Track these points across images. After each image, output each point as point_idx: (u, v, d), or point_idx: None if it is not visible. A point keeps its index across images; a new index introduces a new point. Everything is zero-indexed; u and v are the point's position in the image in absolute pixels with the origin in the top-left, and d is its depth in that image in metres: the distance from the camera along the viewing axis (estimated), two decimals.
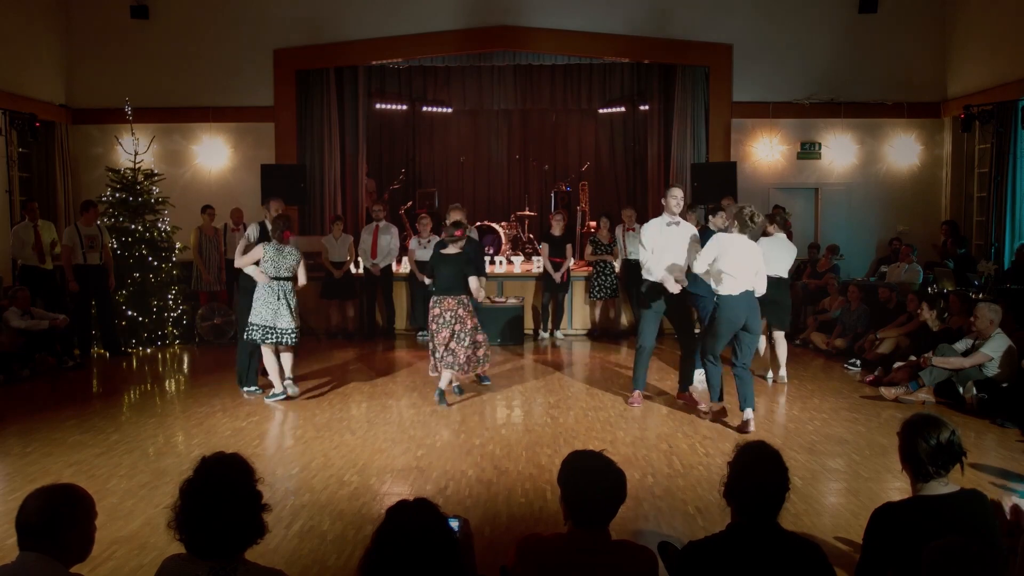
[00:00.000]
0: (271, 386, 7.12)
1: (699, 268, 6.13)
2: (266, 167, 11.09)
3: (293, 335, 6.92)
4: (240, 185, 11.58)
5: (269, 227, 7.15)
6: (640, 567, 2.47)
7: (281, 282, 6.88)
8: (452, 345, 6.74)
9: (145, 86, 11.47)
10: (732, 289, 5.97)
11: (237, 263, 7.05)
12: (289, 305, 6.89)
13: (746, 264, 5.99)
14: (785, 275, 7.56)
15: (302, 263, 7.03)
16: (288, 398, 6.99)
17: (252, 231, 7.27)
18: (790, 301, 8.00)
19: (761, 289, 6.12)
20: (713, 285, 6.14)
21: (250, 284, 7.04)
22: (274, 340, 6.88)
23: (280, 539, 4.04)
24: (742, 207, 6.12)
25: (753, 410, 6.06)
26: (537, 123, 15.33)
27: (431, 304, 6.93)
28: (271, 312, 6.83)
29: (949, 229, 10.65)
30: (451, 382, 7.07)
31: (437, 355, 6.83)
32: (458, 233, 6.95)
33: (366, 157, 12.77)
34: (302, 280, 7.05)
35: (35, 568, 2.29)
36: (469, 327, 6.80)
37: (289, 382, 7.05)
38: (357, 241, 10.72)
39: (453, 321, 6.76)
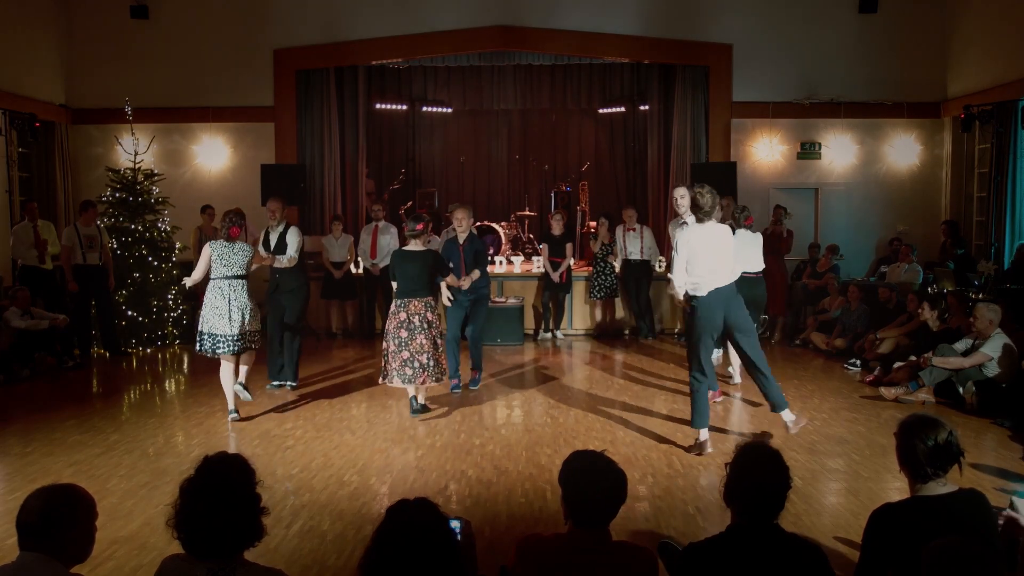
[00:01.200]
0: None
1: (677, 278, 5.49)
2: (266, 167, 11.08)
3: (238, 342, 6.18)
4: (240, 185, 11.56)
5: (271, 232, 7.15)
6: (640, 567, 2.47)
7: (231, 281, 6.20)
8: (434, 352, 6.28)
9: (145, 86, 11.46)
10: (705, 288, 5.37)
11: (193, 279, 6.32)
12: (240, 307, 6.17)
13: (717, 255, 5.37)
14: (759, 269, 7.27)
15: (254, 258, 6.45)
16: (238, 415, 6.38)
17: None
18: (765, 296, 7.67)
19: (731, 276, 5.47)
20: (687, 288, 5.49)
21: (292, 283, 7.18)
22: (230, 349, 6.19)
23: (280, 539, 4.04)
24: (697, 190, 5.40)
25: (790, 409, 5.67)
26: (537, 123, 15.32)
27: (394, 308, 6.34)
28: (220, 318, 6.13)
29: (949, 229, 10.64)
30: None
31: (415, 365, 6.19)
32: (419, 227, 6.39)
33: (366, 157, 12.77)
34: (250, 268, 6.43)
35: (35, 568, 2.30)
36: (437, 331, 6.38)
37: (239, 386, 6.46)
38: (357, 241, 10.72)
39: (425, 326, 6.25)
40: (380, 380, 6.51)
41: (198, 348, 6.24)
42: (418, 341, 6.23)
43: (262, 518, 2.35)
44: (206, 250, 6.27)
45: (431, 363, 6.27)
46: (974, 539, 2.37)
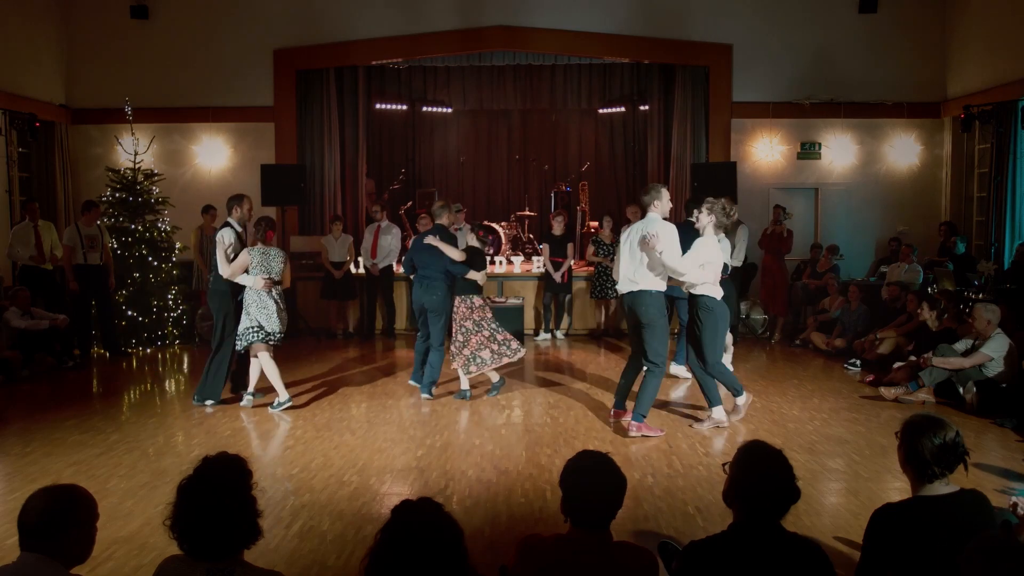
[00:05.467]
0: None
1: (693, 276, 5.82)
2: (266, 167, 11.08)
3: (280, 336, 6.68)
4: (240, 185, 11.51)
5: (239, 229, 6.81)
6: (640, 568, 2.47)
7: (275, 285, 6.63)
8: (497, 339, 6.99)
9: (145, 86, 11.46)
10: (719, 292, 5.99)
11: (226, 274, 6.55)
12: (280, 307, 6.64)
13: (720, 263, 6.01)
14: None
15: (288, 264, 6.79)
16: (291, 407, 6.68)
17: (227, 235, 6.66)
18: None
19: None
20: (698, 288, 5.93)
21: (230, 288, 6.72)
22: (272, 342, 6.62)
23: (280, 539, 4.04)
24: (722, 203, 5.96)
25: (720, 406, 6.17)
26: (537, 123, 15.33)
27: (478, 303, 7.01)
28: (266, 315, 6.54)
29: (948, 230, 10.65)
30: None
31: (493, 352, 6.91)
32: (479, 233, 7.36)
33: (366, 157, 12.77)
34: (286, 282, 6.77)
35: (35, 569, 2.30)
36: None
37: (250, 397, 6.77)
38: (358, 241, 10.71)
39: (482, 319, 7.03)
40: (468, 369, 6.95)
41: (244, 343, 6.54)
42: (484, 333, 6.93)
43: (258, 520, 2.35)
44: (244, 256, 6.50)
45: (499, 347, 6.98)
46: (1006, 533, 2.35)
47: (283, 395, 6.68)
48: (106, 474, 5.09)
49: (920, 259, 10.22)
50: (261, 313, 6.54)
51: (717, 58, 11.61)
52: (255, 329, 6.54)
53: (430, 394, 7.07)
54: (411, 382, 7.56)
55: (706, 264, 5.85)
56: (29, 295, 8.73)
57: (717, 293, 5.97)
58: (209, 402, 6.83)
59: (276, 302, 6.59)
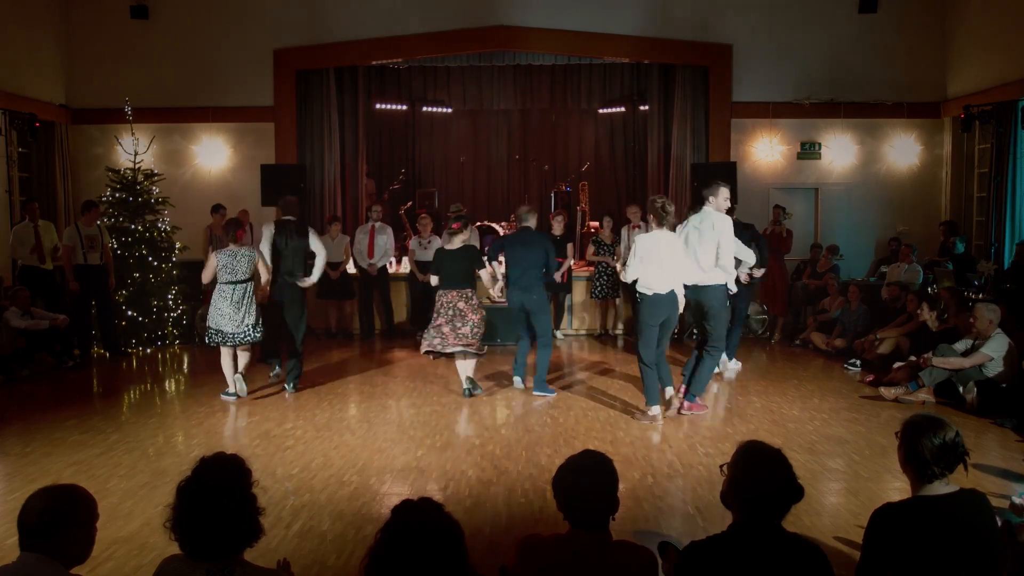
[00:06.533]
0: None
1: (629, 277, 6.27)
2: (266, 167, 11.08)
3: (242, 337, 6.94)
4: (240, 185, 11.57)
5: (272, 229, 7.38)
6: (640, 567, 2.47)
7: (235, 286, 6.88)
8: (445, 330, 6.90)
9: (145, 86, 11.46)
10: (654, 288, 6.14)
11: (205, 281, 7.15)
12: (242, 308, 6.89)
13: (667, 260, 6.12)
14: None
15: (261, 261, 7.05)
16: (238, 397, 7.04)
17: (267, 232, 7.33)
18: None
19: (683, 279, 6.26)
20: (638, 285, 6.23)
21: (288, 293, 7.32)
22: (228, 343, 6.93)
23: (280, 539, 4.04)
24: (653, 199, 6.22)
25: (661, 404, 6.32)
26: (537, 123, 15.32)
27: (438, 295, 7.03)
28: (222, 317, 6.87)
29: (948, 230, 10.65)
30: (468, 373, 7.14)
31: (431, 336, 6.93)
32: (455, 226, 7.01)
33: (366, 157, 12.77)
34: (264, 276, 7.10)
35: (35, 569, 2.30)
36: (471, 319, 6.91)
37: (239, 377, 7.05)
38: (353, 241, 10.70)
39: (452, 314, 6.89)
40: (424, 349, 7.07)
41: (206, 339, 7.11)
42: (438, 321, 6.92)
43: (259, 518, 2.35)
44: (212, 259, 6.95)
45: (437, 335, 6.90)
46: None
47: (231, 387, 7.05)
48: (106, 474, 5.09)
49: (920, 259, 10.21)
50: (214, 313, 6.90)
51: (717, 58, 11.60)
52: (211, 331, 6.95)
53: (545, 390, 7.23)
54: (517, 380, 7.52)
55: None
56: (29, 295, 8.72)
57: (644, 288, 6.23)
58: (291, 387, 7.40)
59: (234, 302, 6.85)
